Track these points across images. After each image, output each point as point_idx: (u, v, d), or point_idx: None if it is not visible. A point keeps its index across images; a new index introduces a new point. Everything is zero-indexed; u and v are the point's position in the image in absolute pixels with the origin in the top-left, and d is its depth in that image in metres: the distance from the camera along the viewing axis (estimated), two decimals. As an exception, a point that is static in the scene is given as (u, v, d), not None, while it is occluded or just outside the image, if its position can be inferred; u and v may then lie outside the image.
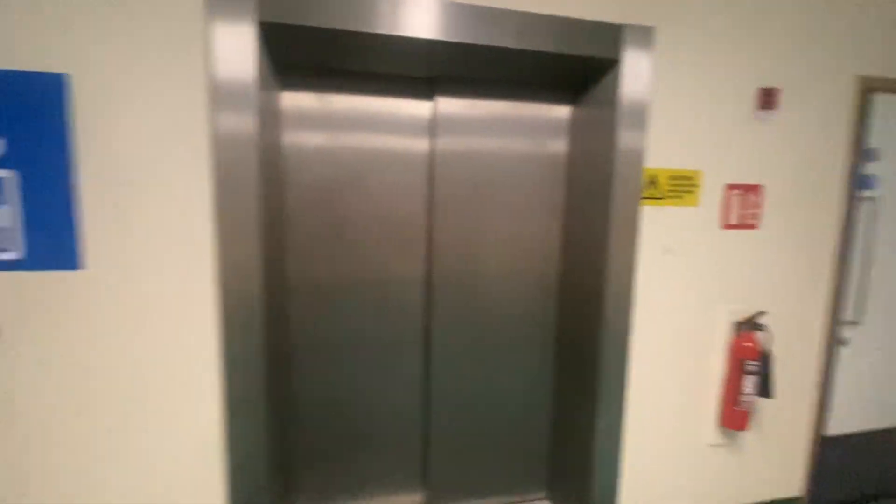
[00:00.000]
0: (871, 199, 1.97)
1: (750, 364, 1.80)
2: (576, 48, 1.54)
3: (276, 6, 1.29)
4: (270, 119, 1.50)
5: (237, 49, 1.26)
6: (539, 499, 2.15)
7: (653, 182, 1.71)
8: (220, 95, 1.27)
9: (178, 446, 1.42)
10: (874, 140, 1.94)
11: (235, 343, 1.36)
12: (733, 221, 1.82)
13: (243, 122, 1.28)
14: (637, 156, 1.64)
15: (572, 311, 1.93)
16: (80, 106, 1.24)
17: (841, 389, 2.08)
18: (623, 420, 1.79)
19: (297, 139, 1.70)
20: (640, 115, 1.62)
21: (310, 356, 1.82)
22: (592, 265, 1.76)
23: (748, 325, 1.86)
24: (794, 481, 2.14)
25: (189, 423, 1.42)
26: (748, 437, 2.01)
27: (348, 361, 1.86)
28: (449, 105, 1.80)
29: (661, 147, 1.70)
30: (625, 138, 1.62)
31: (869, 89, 1.91)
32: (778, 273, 1.93)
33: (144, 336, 1.35)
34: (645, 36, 1.59)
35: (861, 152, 1.94)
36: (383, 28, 1.38)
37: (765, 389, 1.82)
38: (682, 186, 1.75)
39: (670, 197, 1.74)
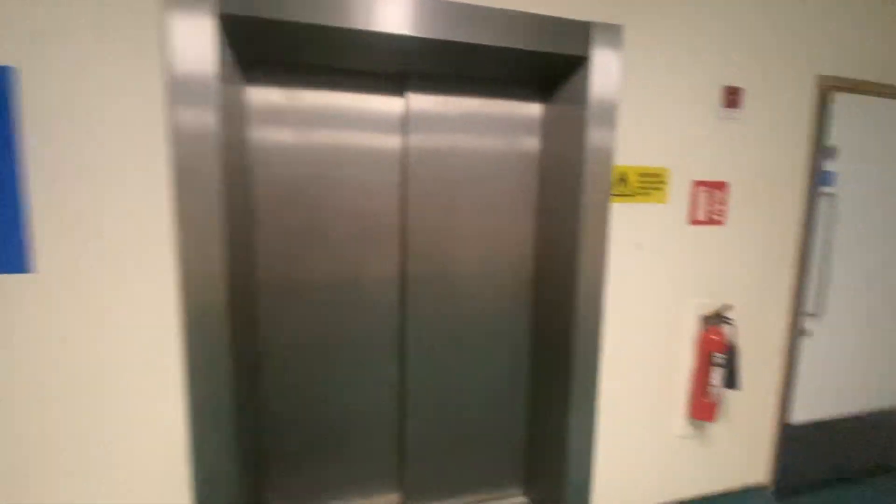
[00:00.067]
0: (830, 195, 2.04)
1: (717, 356, 1.85)
2: (545, 45, 1.54)
3: (237, -2, 1.24)
4: (234, 115, 1.45)
5: (196, 42, 1.22)
6: (515, 495, 2.16)
7: (622, 179, 1.73)
8: (179, 90, 1.22)
9: (141, 458, 1.37)
10: (833, 138, 2.00)
11: (199, 347, 1.32)
12: (701, 218, 1.86)
13: (203, 118, 1.24)
14: (607, 153, 1.65)
15: (546, 308, 1.94)
16: (29, 101, 1.17)
17: (804, 379, 2.15)
18: (596, 415, 1.82)
19: (264, 136, 1.65)
20: (609, 113, 1.64)
21: (282, 358, 1.78)
22: (564, 262, 1.78)
23: (715, 319, 1.90)
24: (760, 469, 2.21)
25: (151, 433, 1.37)
26: (716, 427, 2.06)
27: (322, 362, 1.83)
28: (421, 102, 1.78)
29: (630, 145, 1.72)
30: (595, 136, 1.63)
31: (828, 88, 1.98)
32: (743, 267, 1.98)
33: (101, 342, 1.29)
34: (613, 34, 1.60)
35: (821, 150, 2.00)
36: (352, 22, 1.35)
37: (731, 381, 1.87)
38: (651, 184, 1.77)
39: (640, 194, 1.77)
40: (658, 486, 2.04)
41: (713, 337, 1.86)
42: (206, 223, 1.28)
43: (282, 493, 1.86)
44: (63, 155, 1.20)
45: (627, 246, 1.78)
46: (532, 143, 1.93)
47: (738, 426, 2.11)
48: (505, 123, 1.89)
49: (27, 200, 1.19)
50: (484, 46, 1.50)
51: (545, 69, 1.72)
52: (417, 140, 1.79)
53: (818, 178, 2.01)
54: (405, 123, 1.78)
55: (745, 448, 2.16)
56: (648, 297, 1.85)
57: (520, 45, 1.52)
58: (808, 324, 2.11)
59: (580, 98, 1.65)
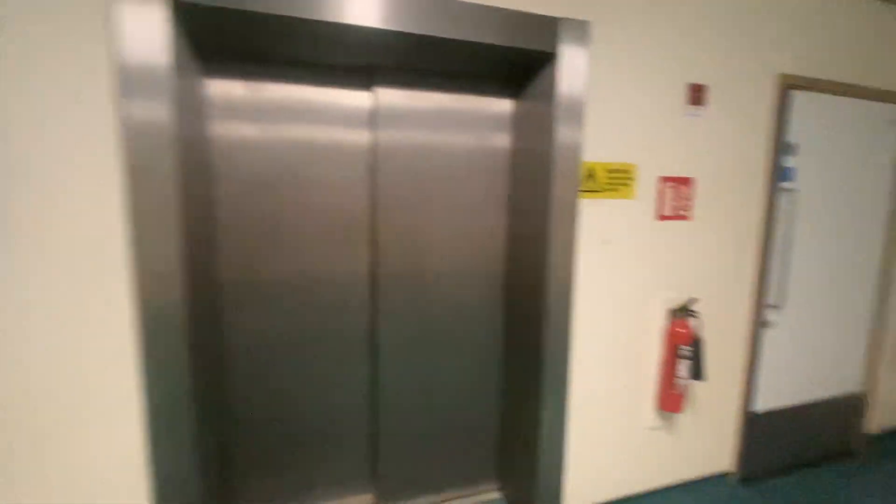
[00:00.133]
0: (790, 190, 2.10)
1: (683, 349, 1.88)
2: (514, 40, 1.53)
3: (191, -15, 1.19)
4: (192, 108, 1.40)
5: (147, 30, 1.16)
6: (490, 491, 2.17)
7: (591, 175, 1.75)
8: (129, 81, 1.16)
9: (97, 462, 1.31)
10: (793, 135, 2.06)
11: (156, 347, 1.27)
12: (667, 213, 1.89)
13: (156, 111, 1.19)
14: (575, 149, 1.66)
15: (518, 304, 1.95)
16: (-37, 90, 1.10)
17: (766, 369, 2.22)
18: (567, 409, 1.83)
19: (226, 131, 1.60)
20: (577, 109, 1.64)
21: (248, 357, 1.73)
22: (535, 258, 1.78)
23: (681, 312, 1.94)
24: (726, 457, 2.28)
25: (107, 436, 1.31)
26: (684, 417, 2.11)
27: (291, 361, 1.79)
28: (389, 96, 1.75)
29: (598, 141, 1.74)
30: (563, 132, 1.63)
31: (788, 87, 2.03)
32: (709, 261, 2.03)
33: (50, 345, 1.23)
34: (581, 30, 1.60)
35: (781, 147, 2.06)
36: (317, 14, 1.32)
37: (697, 372, 1.91)
38: (618, 179, 1.79)
39: (608, 190, 1.78)
40: (629, 477, 2.08)
41: (679, 330, 1.90)
42: (162, 221, 1.22)
43: (250, 495, 1.81)
44: (4, 152, 1.13)
45: (596, 241, 1.80)
46: (503, 140, 1.93)
47: (705, 416, 2.17)
48: (476, 119, 1.88)
49: (-37, 197, 1.12)
50: (453, 40, 1.48)
51: (515, 65, 1.71)
52: (386, 136, 1.76)
53: (779, 174, 2.07)
54: (374, 118, 1.75)
55: (711, 437, 2.22)
56: (617, 291, 1.88)
57: (488, 40, 1.51)
58: (770, 315, 2.18)
59: (549, 94, 1.65)
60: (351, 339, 1.87)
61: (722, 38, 1.87)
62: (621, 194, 1.81)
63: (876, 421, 2.67)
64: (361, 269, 1.84)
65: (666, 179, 1.87)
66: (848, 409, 2.54)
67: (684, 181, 1.90)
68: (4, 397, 1.21)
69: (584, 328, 1.84)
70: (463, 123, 1.87)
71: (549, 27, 1.56)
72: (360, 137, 1.76)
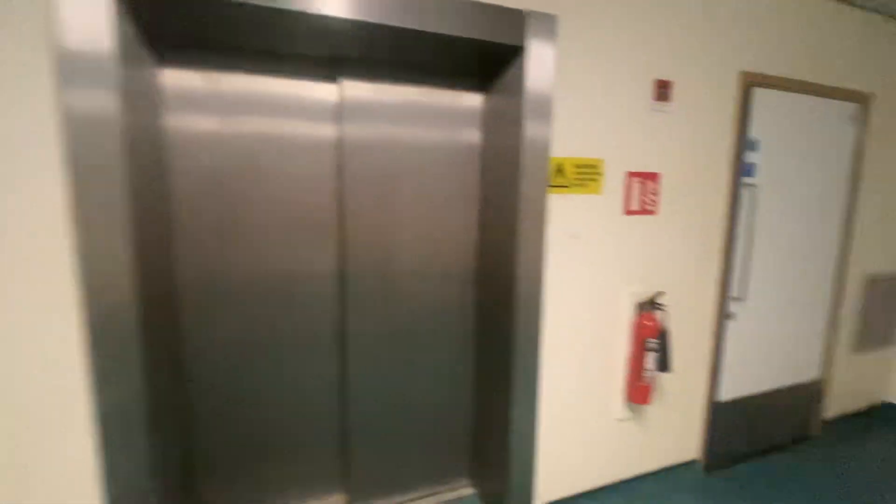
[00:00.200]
0: (752, 185, 2.16)
1: (650, 341, 1.92)
2: (481, 33, 1.51)
3: (137, -32, 1.13)
4: (143, 99, 1.32)
5: (90, 14, 1.09)
6: (464, 487, 2.17)
7: (560, 171, 1.75)
8: (70, 69, 1.09)
9: (45, 473, 1.24)
10: (754, 131, 2.12)
11: (105, 351, 1.20)
12: (634, 208, 1.92)
13: (101, 101, 1.12)
14: (543, 144, 1.66)
15: (488, 300, 1.94)
16: None
17: (729, 359, 2.28)
18: (537, 403, 1.84)
19: (183, 123, 1.53)
20: (545, 104, 1.64)
21: (212, 359, 1.67)
22: (504, 254, 1.77)
23: (648, 305, 1.97)
24: (692, 446, 2.34)
25: (56, 446, 1.24)
26: (652, 408, 2.15)
27: (257, 362, 1.74)
28: (356, 89, 1.71)
29: (566, 136, 1.74)
30: (531, 126, 1.62)
31: (750, 84, 2.08)
32: (675, 255, 2.07)
33: (-13, 352, 1.15)
34: (548, 24, 1.59)
35: (743, 142, 2.11)
36: (278, 1, 1.26)
37: (663, 364, 1.94)
38: (586, 175, 1.80)
39: (576, 185, 1.79)
40: (599, 469, 2.11)
41: (647, 323, 1.93)
42: (109, 218, 1.15)
43: (217, 500, 1.75)
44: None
45: (565, 236, 1.81)
46: (473, 135, 1.91)
47: (673, 406, 2.22)
48: (446, 114, 1.86)
49: None
50: (419, 32, 1.45)
51: (483, 58, 1.69)
52: (353, 129, 1.72)
53: (741, 170, 2.13)
54: (340, 111, 1.70)
55: (678, 427, 2.27)
56: (586, 286, 1.89)
57: (455, 32, 1.48)
58: (733, 307, 2.24)
59: (517, 88, 1.64)
60: (319, 338, 1.82)
61: (687, 35, 1.90)
62: (589, 189, 1.82)
63: (832, 406, 2.79)
64: (329, 266, 1.79)
65: (633, 174, 1.89)
66: (806, 395, 2.64)
67: (650, 176, 1.93)
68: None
69: (553, 323, 1.84)
70: (432, 118, 1.84)
71: (516, 20, 1.55)
72: (325, 131, 1.71)
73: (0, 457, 1.19)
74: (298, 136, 1.68)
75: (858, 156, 2.49)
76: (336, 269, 1.80)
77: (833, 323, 2.62)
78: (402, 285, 1.89)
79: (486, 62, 1.72)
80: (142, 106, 1.31)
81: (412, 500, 2.05)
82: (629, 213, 1.91)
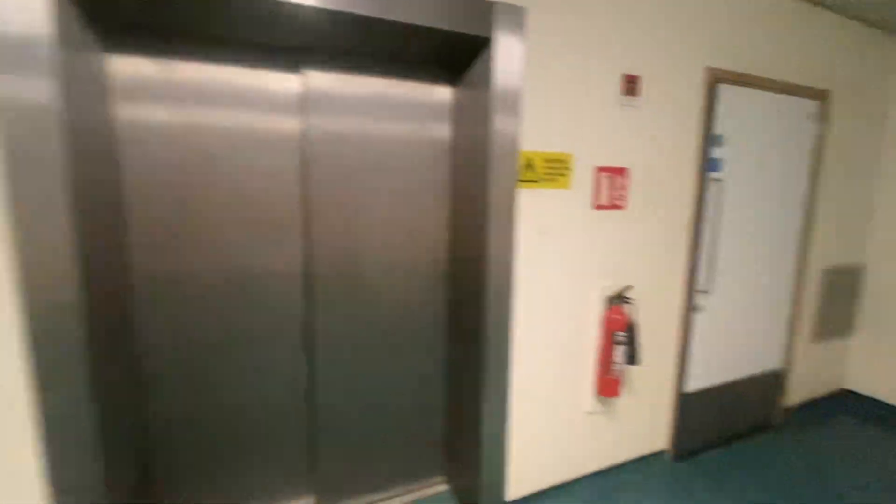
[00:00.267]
0: (717, 180, 2.20)
1: (619, 335, 1.93)
2: (448, 23, 1.48)
3: (75, -54, 1.05)
4: (88, 87, 1.25)
5: (21, -5, 1.01)
6: (438, 484, 2.16)
7: (529, 165, 1.74)
8: (1, 54, 1.01)
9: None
10: (720, 127, 2.15)
11: (47, 354, 1.13)
12: (603, 202, 1.92)
13: (38, 89, 1.04)
14: (512, 138, 1.64)
15: (460, 296, 1.92)
16: None
17: (696, 351, 2.33)
18: (508, 398, 1.83)
19: (135, 114, 1.45)
20: (514, 97, 1.62)
21: (171, 359, 1.60)
22: (475, 250, 1.76)
23: (617, 299, 1.99)
24: (661, 437, 2.38)
25: (-5, 457, 1.16)
26: (622, 401, 2.18)
27: (220, 363, 1.68)
28: (320, 79, 1.66)
29: (536, 130, 1.73)
30: (500, 120, 1.61)
31: (716, 80, 2.11)
32: (643, 249, 2.09)
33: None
34: (516, 15, 1.58)
35: (710, 138, 2.14)
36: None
37: (632, 357, 1.97)
38: (556, 169, 1.79)
39: (546, 180, 1.78)
40: (571, 462, 2.13)
41: (615, 316, 1.94)
42: (49, 213, 1.08)
43: (178, 508, 1.70)
44: None
45: (535, 231, 1.80)
46: (444, 128, 1.88)
47: (642, 398, 2.25)
48: (415, 107, 1.83)
49: None
50: (385, 21, 1.41)
51: (452, 50, 1.66)
52: (318, 122, 1.67)
53: (707, 165, 2.16)
54: (304, 103, 1.65)
55: (647, 418, 2.31)
56: (556, 280, 1.89)
57: (422, 22, 1.45)
58: (700, 300, 2.29)
59: (485, 81, 1.62)
60: (285, 337, 1.77)
61: (654, 30, 1.91)
62: (559, 184, 1.81)
63: (793, 394, 2.89)
64: (294, 263, 1.74)
65: (601, 169, 1.89)
66: (770, 384, 2.72)
67: (619, 171, 1.94)
68: None
69: (524, 318, 1.84)
70: (401, 110, 1.81)
71: (484, 11, 1.53)
72: (289, 124, 1.65)
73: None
74: (260, 129, 1.62)
75: (818, 152, 2.56)
76: (302, 265, 1.75)
77: (794, 314, 2.71)
78: (372, 282, 1.86)
79: (455, 54, 1.70)
80: (86, 95, 1.23)
81: (384, 499, 2.03)
82: (598, 207, 1.92)
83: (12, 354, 1.14)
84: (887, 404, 2.96)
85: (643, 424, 2.30)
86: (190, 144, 1.53)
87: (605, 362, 1.98)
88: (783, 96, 2.35)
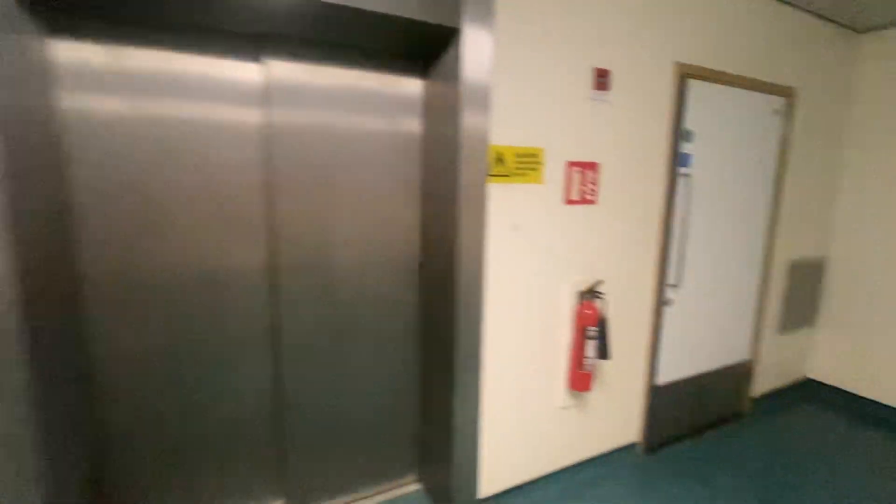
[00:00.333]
0: (686, 175, 2.22)
1: (590, 330, 1.94)
2: (414, 12, 1.43)
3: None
4: (26, 74, 1.16)
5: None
6: (410, 483, 2.13)
7: (500, 159, 1.72)
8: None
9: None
10: (689, 122, 2.17)
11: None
12: (574, 197, 1.92)
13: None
14: (482, 131, 1.61)
15: (431, 292, 1.90)
16: None
17: (666, 344, 2.36)
18: (479, 395, 1.82)
19: (83, 104, 1.37)
20: (483, 90, 1.59)
21: (128, 367, 1.53)
22: (445, 245, 1.73)
23: (589, 294, 1.99)
24: (632, 429, 2.41)
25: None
26: (593, 395, 2.19)
27: (180, 367, 1.61)
28: (283, 70, 1.60)
29: (506, 123, 1.71)
30: (469, 112, 1.57)
31: (685, 75, 2.13)
32: (614, 244, 2.10)
33: None
34: (484, 6, 1.54)
35: (680, 133, 2.16)
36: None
37: (603, 352, 1.97)
38: (527, 164, 1.78)
39: (517, 174, 1.76)
40: (543, 458, 2.13)
41: (587, 311, 1.95)
42: (-21, 209, 1.01)
43: (138, 517, 1.63)
44: None
45: (506, 226, 1.78)
46: (414, 121, 1.84)
47: (613, 392, 2.27)
48: (385, 100, 1.78)
49: None
50: (349, 8, 1.36)
51: (420, 41, 1.62)
52: (282, 115, 1.61)
53: (677, 160, 2.18)
54: (266, 94, 1.59)
55: (619, 412, 2.33)
56: (528, 275, 1.88)
57: (388, 10, 1.40)
58: (670, 294, 2.32)
59: (454, 73, 1.58)
60: (250, 338, 1.71)
61: (625, 24, 1.91)
62: (530, 179, 1.80)
63: (760, 384, 2.97)
64: (258, 262, 1.68)
65: (573, 164, 1.89)
66: (737, 375, 2.79)
67: (590, 166, 1.93)
68: None
69: (495, 314, 1.82)
70: (370, 103, 1.76)
71: (451, 1, 1.49)
72: (250, 115, 1.59)
73: None
74: (220, 121, 1.55)
75: (784, 147, 2.62)
76: (266, 264, 1.69)
77: (761, 306, 2.77)
78: (341, 279, 1.81)
79: (424, 45, 1.66)
80: (25, 82, 1.15)
81: (357, 500, 2.00)
82: (569, 202, 1.91)
83: (-57, 361, 1.06)
84: (847, 392, 3.07)
85: (615, 418, 2.32)
86: (145, 137, 1.45)
87: (577, 357, 1.98)
88: (750, 92, 2.39)
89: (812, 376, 3.27)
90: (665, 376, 2.41)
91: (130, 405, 1.55)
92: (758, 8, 2.32)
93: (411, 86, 1.82)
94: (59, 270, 1.30)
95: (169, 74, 1.46)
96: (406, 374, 2.03)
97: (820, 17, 2.61)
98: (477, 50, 1.56)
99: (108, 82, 1.39)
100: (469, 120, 1.58)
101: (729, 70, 2.28)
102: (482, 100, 1.59)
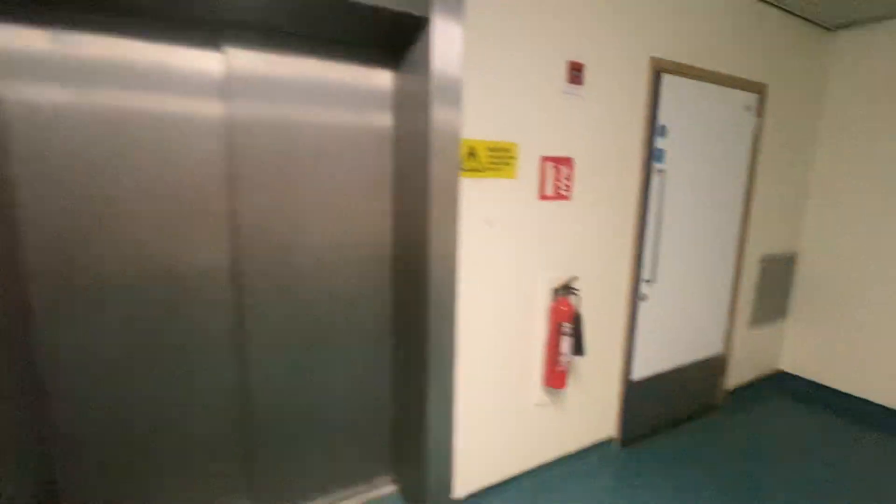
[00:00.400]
0: (661, 171, 2.22)
1: (565, 326, 1.92)
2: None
3: None
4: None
5: None
6: (385, 485, 2.09)
7: (472, 154, 1.68)
8: None
9: None
10: (663, 118, 2.17)
11: None
12: (549, 193, 1.89)
13: None
14: (453, 125, 1.57)
15: (403, 290, 1.85)
16: None
17: (642, 339, 2.37)
18: (453, 394, 1.78)
19: (22, 93, 1.28)
20: (453, 81, 1.54)
21: (81, 373, 1.44)
22: (416, 242, 1.69)
23: (564, 290, 1.98)
24: (609, 425, 2.41)
25: None
26: (570, 391, 2.18)
27: (138, 372, 1.53)
28: (245, 59, 1.53)
29: (479, 117, 1.67)
30: (439, 105, 1.53)
31: (659, 70, 2.12)
32: (589, 240, 2.08)
33: None
34: (454, -5, 1.50)
35: (654, 128, 2.15)
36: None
37: (578, 348, 1.96)
38: (500, 158, 1.74)
39: (490, 169, 1.73)
40: (520, 456, 2.11)
41: (562, 308, 1.93)
42: None
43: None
44: None
45: (480, 222, 1.75)
46: (385, 115, 1.79)
47: (590, 388, 2.26)
48: (354, 92, 1.72)
49: None
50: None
51: (389, 30, 1.57)
52: (244, 107, 1.54)
53: (652, 155, 2.17)
54: (226, 85, 1.51)
55: (596, 407, 2.33)
56: (502, 272, 1.85)
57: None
58: (645, 289, 2.32)
59: (424, 64, 1.54)
60: (214, 339, 1.64)
61: (599, 17, 1.88)
62: (503, 174, 1.76)
63: (733, 377, 3.01)
64: (222, 261, 1.61)
65: (547, 159, 1.86)
66: (711, 369, 2.82)
67: (564, 161, 1.91)
68: None
69: (469, 312, 1.79)
70: (339, 95, 1.70)
71: (420, -11, 1.44)
72: (210, 107, 1.51)
73: None
74: (178, 114, 1.47)
75: (756, 143, 2.65)
76: (230, 262, 1.62)
77: (734, 300, 2.81)
78: (309, 278, 1.75)
79: (393, 35, 1.60)
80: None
81: (330, 503, 1.95)
82: (544, 198, 1.89)
83: None
84: (816, 383, 3.14)
85: (591, 414, 2.32)
86: (95, 130, 1.37)
87: (553, 354, 1.96)
88: (723, 88, 2.40)
89: (784, 368, 3.34)
90: (641, 371, 2.41)
91: (86, 411, 1.47)
92: (732, 3, 2.32)
93: (381, 78, 1.76)
94: (3, 272, 1.21)
95: (120, 62, 1.37)
96: (379, 373, 1.98)
97: (792, 13, 2.63)
98: (447, 41, 1.51)
99: (52, 70, 1.30)
100: (439, 113, 1.54)
101: (703, 65, 2.28)
102: (453, 92, 1.55)
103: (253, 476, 1.78)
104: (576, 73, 1.86)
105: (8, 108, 1.26)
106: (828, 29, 2.89)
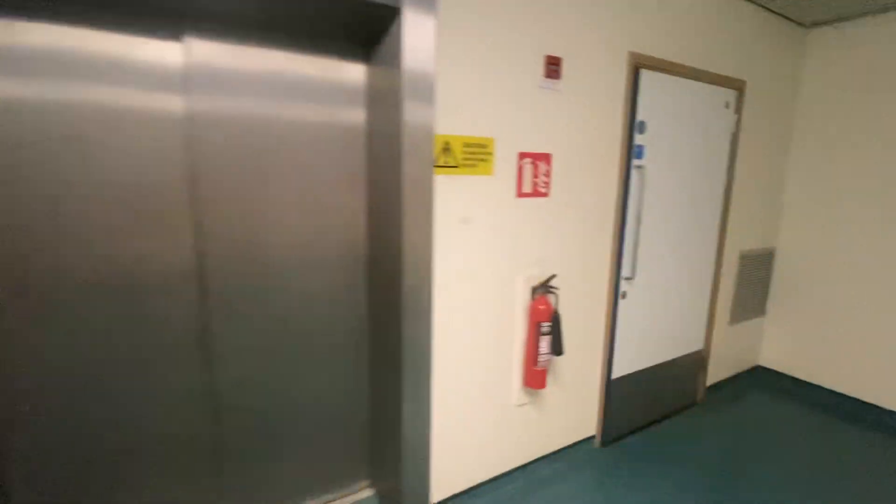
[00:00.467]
0: (640, 167, 2.20)
1: (544, 325, 1.89)
2: (348, -11, 1.33)
3: None
4: None
5: None
6: (362, 489, 2.04)
7: (447, 149, 1.63)
8: None
9: None
10: (641, 113, 2.15)
11: None
12: (527, 190, 1.86)
13: None
14: (425, 119, 1.52)
15: (377, 290, 1.80)
16: None
17: (622, 337, 2.35)
18: (430, 396, 1.74)
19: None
20: (426, 75, 1.50)
21: (31, 384, 1.36)
22: (390, 240, 1.64)
23: (542, 289, 1.95)
24: (589, 423, 2.40)
25: None
26: (550, 390, 2.16)
27: (100, 378, 1.45)
28: (207, 50, 1.45)
29: (453, 112, 1.63)
30: (411, 96, 1.48)
31: (638, 65, 2.10)
32: (568, 238, 2.06)
33: None
34: (425, -16, 1.45)
35: (633, 124, 2.14)
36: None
37: (557, 347, 1.93)
38: (476, 155, 1.70)
39: (466, 165, 1.69)
40: (500, 457, 2.08)
41: (540, 307, 1.90)
42: None
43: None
44: None
45: (456, 220, 1.71)
46: (357, 109, 1.73)
47: (570, 387, 2.24)
48: (325, 86, 1.66)
49: None
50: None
51: (359, 21, 1.51)
52: (205, 101, 1.47)
53: (631, 151, 2.16)
54: (186, 78, 1.44)
55: (576, 406, 2.31)
56: (479, 271, 1.81)
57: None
58: (625, 286, 2.30)
59: (395, 56, 1.48)
60: (179, 344, 1.57)
61: (577, 10, 1.85)
62: (480, 170, 1.72)
63: (713, 373, 3.03)
64: (184, 263, 1.53)
65: (524, 155, 1.82)
66: (691, 365, 2.83)
67: (543, 157, 1.88)
68: None
69: (446, 311, 1.75)
70: (307, 89, 1.63)
71: (388, -23, 1.39)
72: (169, 101, 1.43)
73: None
74: (135, 108, 1.39)
75: (735, 140, 2.65)
76: (193, 265, 1.55)
77: (713, 297, 2.82)
78: (278, 280, 1.69)
79: (364, 26, 1.55)
80: None
81: (305, 510, 1.90)
82: (521, 195, 1.85)
83: None
84: (794, 378, 3.18)
85: (572, 413, 2.30)
86: (44, 125, 1.28)
87: (532, 354, 1.94)
88: (702, 84, 2.39)
89: (763, 364, 3.37)
90: (621, 369, 2.40)
91: (45, 422, 1.39)
92: (713, 1, 2.32)
93: (353, 72, 1.71)
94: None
95: (73, 53, 1.29)
96: (353, 374, 1.93)
97: (769, 10, 2.64)
98: (419, 33, 1.46)
99: (3, 60, 1.22)
100: (411, 107, 1.49)
101: (682, 61, 2.27)
102: (426, 85, 1.50)
103: (222, 482, 1.72)
104: (553, 67, 1.82)
105: (-56, 99, 1.18)
106: (804, 26, 2.91)
